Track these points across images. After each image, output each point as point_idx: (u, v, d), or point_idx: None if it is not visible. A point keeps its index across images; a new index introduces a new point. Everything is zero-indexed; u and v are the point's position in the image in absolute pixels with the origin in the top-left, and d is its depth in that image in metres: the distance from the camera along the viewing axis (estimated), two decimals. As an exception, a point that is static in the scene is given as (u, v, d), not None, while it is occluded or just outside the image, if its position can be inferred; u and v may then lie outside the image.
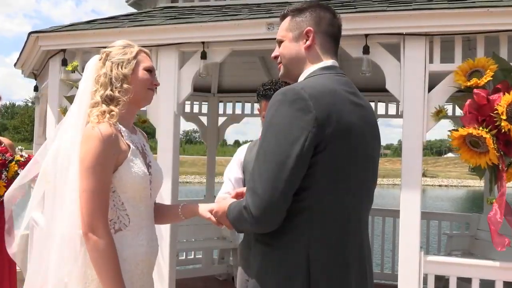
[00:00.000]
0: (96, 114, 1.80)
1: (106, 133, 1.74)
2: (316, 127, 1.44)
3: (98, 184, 1.71)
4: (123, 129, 1.86)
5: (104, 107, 1.81)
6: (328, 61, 1.65)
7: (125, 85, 1.85)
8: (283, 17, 1.74)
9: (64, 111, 3.80)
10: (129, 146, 1.83)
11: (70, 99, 3.78)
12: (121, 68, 1.86)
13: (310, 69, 1.64)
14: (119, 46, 1.91)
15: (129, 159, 1.80)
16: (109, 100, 1.84)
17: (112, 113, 1.81)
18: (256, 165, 1.50)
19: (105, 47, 1.94)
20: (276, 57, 1.74)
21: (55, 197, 1.82)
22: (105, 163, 1.73)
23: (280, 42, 1.72)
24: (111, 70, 1.85)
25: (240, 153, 2.79)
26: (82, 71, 3.61)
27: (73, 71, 3.85)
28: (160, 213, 2.02)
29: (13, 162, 3.65)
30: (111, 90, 1.84)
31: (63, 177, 1.78)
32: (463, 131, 2.85)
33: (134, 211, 1.83)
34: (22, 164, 3.60)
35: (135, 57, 1.88)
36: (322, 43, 1.66)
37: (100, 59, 1.91)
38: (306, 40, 1.65)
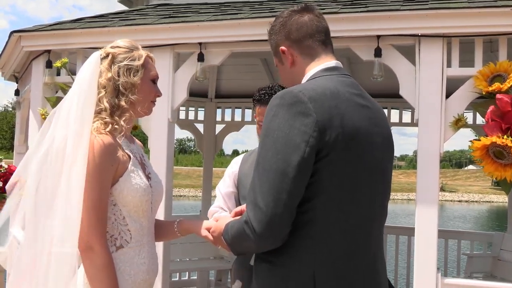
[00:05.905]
0: (97, 125, 1.79)
1: (105, 144, 1.75)
2: (317, 131, 1.46)
3: (94, 198, 1.71)
4: (122, 138, 1.86)
5: (108, 119, 1.80)
6: (331, 62, 1.68)
7: (133, 96, 1.84)
8: (269, 42, 1.81)
9: (44, 114, 3.79)
10: (129, 156, 1.84)
11: (53, 100, 3.79)
12: (130, 75, 1.84)
13: (311, 71, 1.67)
14: (125, 47, 1.89)
15: (129, 170, 1.81)
16: (114, 109, 1.83)
17: (116, 126, 1.81)
18: (256, 175, 1.50)
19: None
20: None
21: (39, 209, 1.80)
22: (103, 176, 1.73)
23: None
24: (119, 76, 1.83)
25: (234, 165, 2.81)
26: (71, 71, 3.65)
27: (59, 71, 3.87)
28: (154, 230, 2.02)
29: None
30: (117, 98, 1.83)
31: (51, 188, 1.76)
32: (486, 141, 2.86)
33: (136, 226, 1.84)
34: (2, 176, 3.61)
35: (143, 64, 1.88)
36: (304, 50, 1.70)
37: (102, 58, 1.87)
38: (288, 59, 1.71)
